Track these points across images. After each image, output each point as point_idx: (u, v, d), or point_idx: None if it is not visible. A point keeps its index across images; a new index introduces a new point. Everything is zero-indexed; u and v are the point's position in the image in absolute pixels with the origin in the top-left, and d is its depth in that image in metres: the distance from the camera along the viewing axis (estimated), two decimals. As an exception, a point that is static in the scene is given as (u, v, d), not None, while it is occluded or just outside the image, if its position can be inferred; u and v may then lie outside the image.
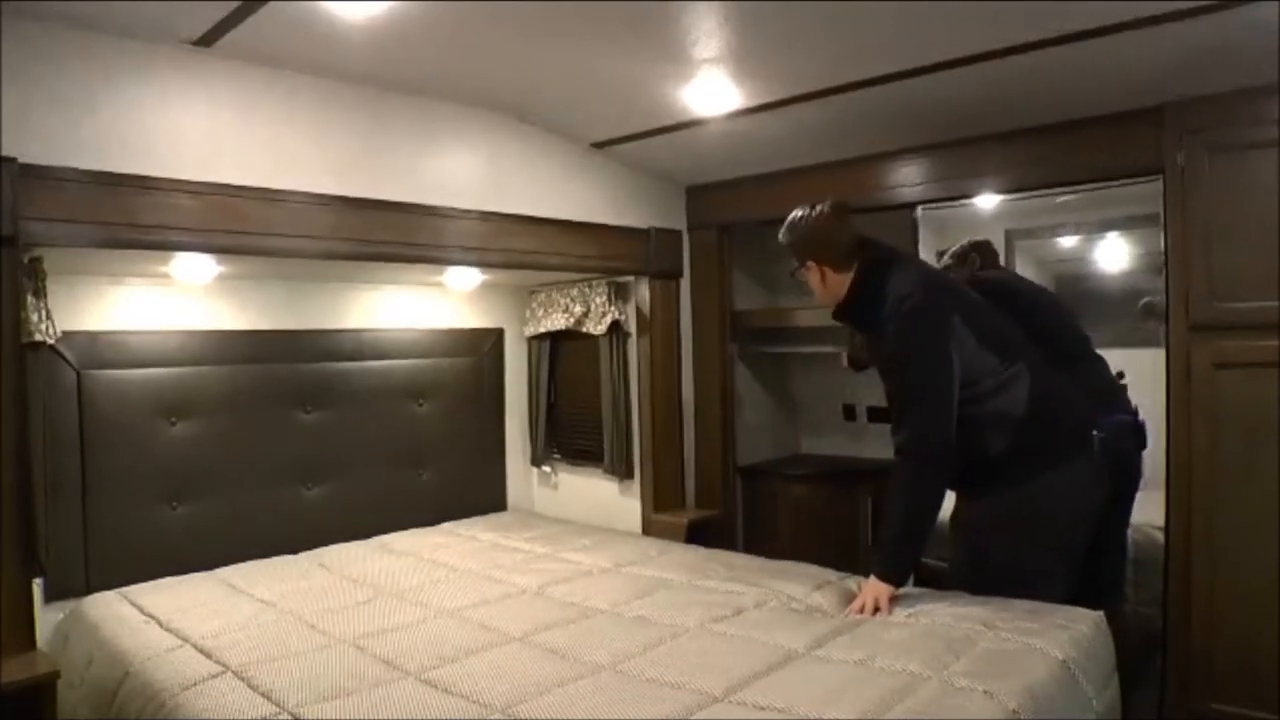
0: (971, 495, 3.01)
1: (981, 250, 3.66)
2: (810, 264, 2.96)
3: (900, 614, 2.82)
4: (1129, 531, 3.25)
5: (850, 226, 2.94)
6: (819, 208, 2.95)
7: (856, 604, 2.89)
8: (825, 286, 2.98)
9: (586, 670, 2.50)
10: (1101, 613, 2.72)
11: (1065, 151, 3.54)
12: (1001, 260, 3.83)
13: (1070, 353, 3.19)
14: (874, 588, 2.87)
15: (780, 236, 3.03)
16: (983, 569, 2.95)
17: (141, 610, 3.15)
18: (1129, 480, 3.16)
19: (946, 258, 3.67)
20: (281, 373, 4.07)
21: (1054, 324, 3.29)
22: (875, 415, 5.06)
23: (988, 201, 3.85)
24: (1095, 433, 2.84)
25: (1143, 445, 3.21)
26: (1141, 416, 3.23)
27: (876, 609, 2.85)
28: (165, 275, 3.59)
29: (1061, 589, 2.83)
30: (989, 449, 2.81)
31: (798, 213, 2.99)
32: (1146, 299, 3.66)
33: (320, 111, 3.43)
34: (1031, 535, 2.82)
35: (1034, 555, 2.84)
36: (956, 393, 2.76)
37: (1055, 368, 2.94)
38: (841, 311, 2.98)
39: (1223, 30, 2.76)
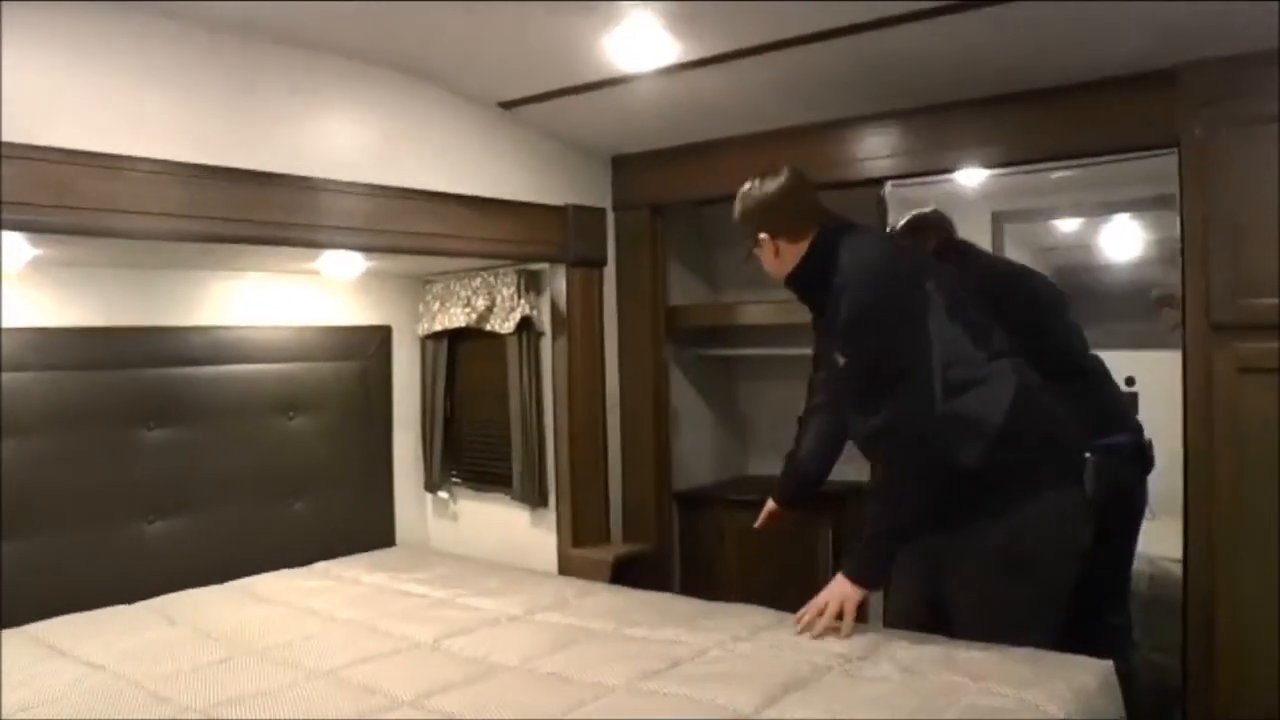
0: (937, 524, 2.98)
1: (931, 226, 3.67)
2: (763, 237, 3.00)
3: (869, 664, 2.79)
4: (1138, 565, 3.28)
5: (810, 194, 3.02)
6: (772, 174, 3.03)
7: (815, 605, 2.92)
8: (779, 260, 3.02)
9: (493, 742, 2.45)
10: (1110, 663, 2.73)
11: (1062, 120, 3.56)
12: (988, 247, 3.85)
13: (1067, 368, 3.21)
14: (839, 588, 2.89)
15: (735, 212, 3.07)
16: (946, 617, 2.98)
17: (-75, 681, 3.01)
18: (1129, 511, 3.18)
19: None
20: (117, 380, 3.98)
21: (1052, 329, 3.32)
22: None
23: (970, 177, 3.88)
24: (1087, 455, 2.88)
25: (1146, 469, 3.23)
26: (1148, 436, 3.25)
27: (838, 617, 2.88)
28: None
29: (1045, 641, 2.83)
30: (959, 461, 2.80)
31: (750, 182, 3.05)
32: (1159, 290, 3.69)
33: (175, 61, 3.34)
34: (1010, 578, 2.83)
35: (1013, 602, 2.86)
36: (939, 361, 2.77)
37: (1048, 380, 2.96)
38: (792, 277, 3.03)
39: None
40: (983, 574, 2.85)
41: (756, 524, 3.62)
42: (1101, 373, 3.35)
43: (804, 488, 3.54)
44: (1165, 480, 3.27)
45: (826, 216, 3.01)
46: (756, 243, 3.04)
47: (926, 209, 3.78)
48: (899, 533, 2.86)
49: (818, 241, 2.96)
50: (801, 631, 2.93)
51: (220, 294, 4.36)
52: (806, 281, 3.01)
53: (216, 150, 3.38)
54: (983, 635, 2.85)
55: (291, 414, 4.54)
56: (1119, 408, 3.32)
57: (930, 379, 2.76)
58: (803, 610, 2.97)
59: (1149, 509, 3.33)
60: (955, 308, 2.85)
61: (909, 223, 3.73)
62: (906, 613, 3.17)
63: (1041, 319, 3.34)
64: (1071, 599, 2.93)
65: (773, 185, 3.00)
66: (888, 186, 4.04)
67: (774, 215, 2.99)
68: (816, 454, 3.46)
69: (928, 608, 3.07)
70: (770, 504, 3.58)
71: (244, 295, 4.44)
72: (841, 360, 2.95)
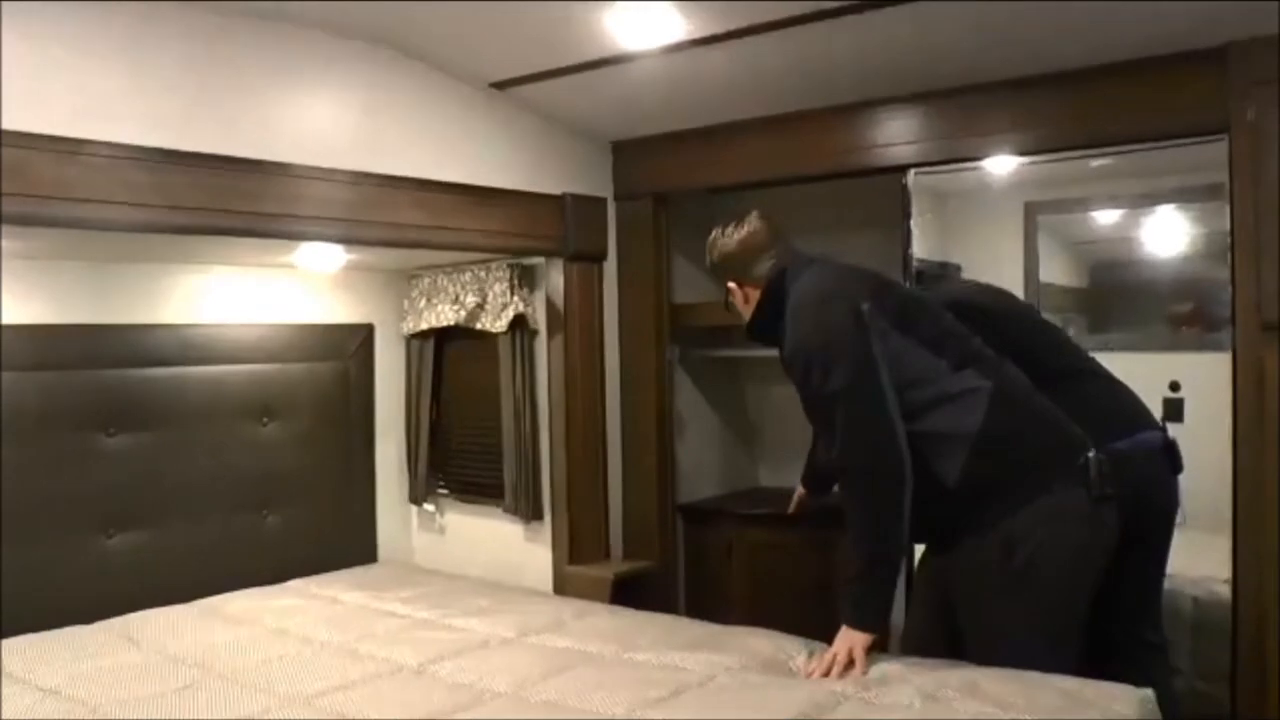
0: (934, 543, 3.16)
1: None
2: (731, 285, 3.24)
3: (889, 691, 2.80)
4: (1183, 586, 3.27)
5: (778, 240, 3.21)
6: (737, 221, 3.25)
7: (825, 659, 2.97)
8: (749, 307, 3.22)
9: (482, 776, 2.45)
10: (1150, 691, 2.71)
11: (1101, 103, 3.54)
12: (1019, 241, 3.84)
13: (1054, 369, 3.23)
14: (845, 638, 2.96)
15: (705, 262, 3.34)
16: (950, 641, 3.03)
17: None
18: (1155, 514, 3.17)
19: None
20: (75, 382, 3.97)
21: (1031, 340, 3.35)
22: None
23: (1001, 165, 3.87)
24: (1090, 454, 2.88)
25: (1175, 469, 3.23)
26: (1171, 435, 3.25)
27: (850, 664, 2.92)
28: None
29: (1059, 660, 2.84)
30: (943, 479, 2.89)
31: (715, 230, 3.29)
32: (1176, 306, 3.76)
33: (138, 38, 3.30)
34: (1011, 592, 2.86)
35: (1018, 618, 2.89)
36: (890, 391, 2.87)
37: (1035, 384, 3.04)
38: (749, 327, 3.26)
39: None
40: (984, 591, 2.91)
41: (790, 509, 3.89)
42: (1095, 372, 3.36)
43: (822, 483, 3.74)
44: (1214, 493, 3.26)
45: (791, 259, 3.15)
46: (728, 292, 3.26)
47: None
48: (887, 564, 2.93)
49: (769, 286, 3.13)
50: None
51: (187, 289, 4.35)
52: (763, 328, 3.17)
53: (183, 133, 3.35)
54: (991, 656, 2.87)
55: (265, 419, 4.53)
56: (1127, 407, 3.31)
57: (874, 408, 2.86)
58: (811, 666, 3.02)
59: (1180, 513, 3.33)
60: (906, 324, 2.96)
61: None
62: (921, 639, 3.21)
63: (1009, 325, 3.37)
64: (1093, 613, 2.96)
65: (736, 234, 3.22)
66: (911, 175, 4.02)
67: (738, 264, 3.21)
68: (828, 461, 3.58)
69: (943, 632, 3.11)
70: (800, 488, 3.83)
71: (213, 290, 4.43)
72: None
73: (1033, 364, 3.09)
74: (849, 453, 2.90)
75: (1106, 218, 4.11)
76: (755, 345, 4.99)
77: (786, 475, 5.34)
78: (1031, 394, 3.00)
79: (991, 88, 3.75)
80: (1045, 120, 3.69)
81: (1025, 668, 2.79)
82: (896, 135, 4.03)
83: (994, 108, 3.77)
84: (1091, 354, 3.43)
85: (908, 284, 3.88)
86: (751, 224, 3.20)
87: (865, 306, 2.91)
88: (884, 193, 4.09)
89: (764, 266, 3.15)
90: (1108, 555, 2.93)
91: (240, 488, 4.43)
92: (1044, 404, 2.99)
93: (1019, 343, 3.21)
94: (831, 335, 2.92)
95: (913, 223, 4.01)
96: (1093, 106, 3.57)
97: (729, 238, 3.22)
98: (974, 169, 3.96)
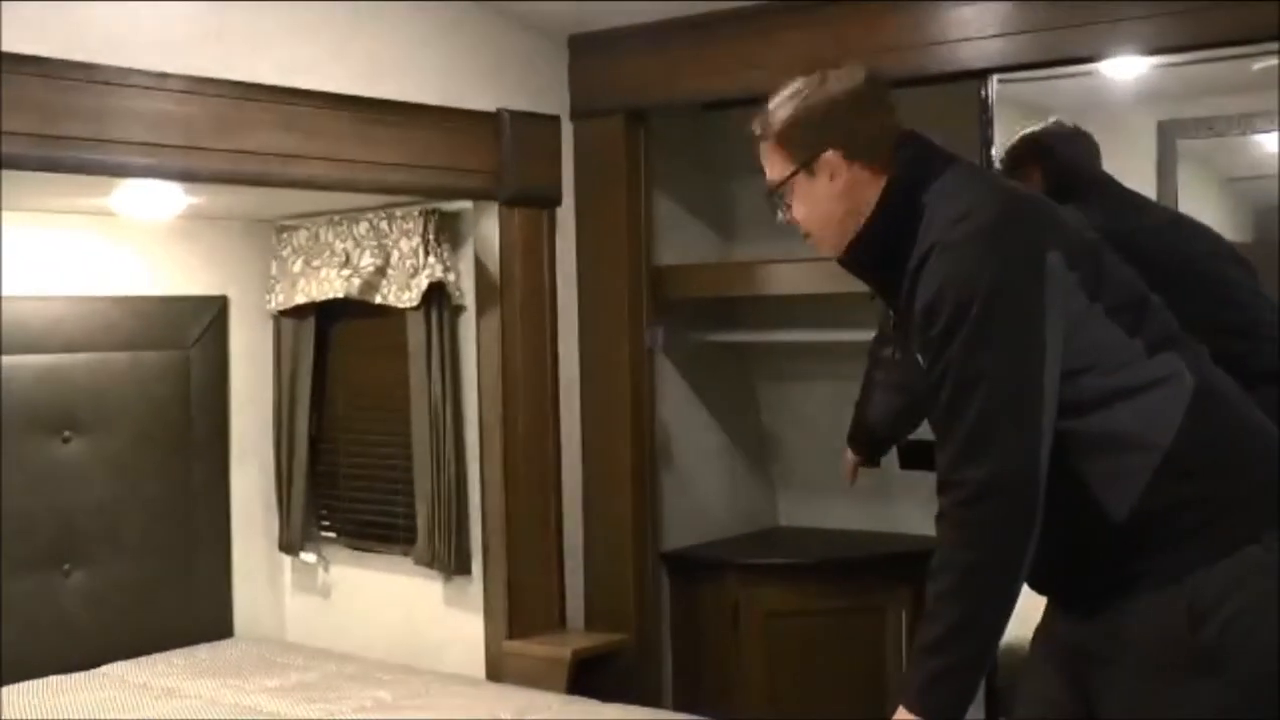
0: (1076, 605, 2.93)
1: (1058, 147, 3.60)
2: (828, 156, 2.81)
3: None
4: None
5: (893, 112, 2.86)
6: (836, 75, 2.89)
7: None
8: (852, 196, 2.85)
9: None
10: None
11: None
12: (1150, 175, 3.85)
13: (1264, 365, 3.17)
14: None
15: (772, 122, 2.89)
16: None
17: None
18: None
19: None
20: None
21: (1227, 317, 3.25)
22: (914, 456, 4.93)
23: (1123, 69, 3.84)
24: None
25: None
26: None
27: None
28: None
29: None
30: (1105, 506, 2.72)
31: (797, 83, 2.88)
32: None
33: None
34: (1192, 684, 2.67)
35: (1199, 715, 2.68)
36: (1055, 386, 2.67)
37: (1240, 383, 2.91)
38: (860, 238, 2.90)
39: None
40: (1147, 680, 2.71)
41: (848, 479, 4.00)
42: None
43: (876, 447, 3.84)
44: None
45: (906, 144, 2.87)
46: (812, 162, 2.84)
47: (1039, 126, 3.70)
48: (985, 640, 2.70)
49: (904, 181, 2.83)
50: None
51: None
52: (874, 251, 2.88)
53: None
54: None
55: (66, 433, 4.52)
56: None
57: (1025, 406, 2.66)
58: None
59: None
60: (1097, 282, 2.75)
61: (1012, 150, 3.70)
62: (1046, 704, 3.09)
63: (1218, 293, 3.32)
64: None
65: (839, 85, 2.86)
66: (994, 83, 4.02)
67: (845, 124, 2.83)
68: (886, 423, 3.72)
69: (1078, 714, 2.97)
70: (849, 454, 3.89)
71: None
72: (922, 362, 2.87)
73: (1223, 353, 2.95)
74: (969, 459, 2.65)
75: (1274, 143, 4.08)
76: (772, 324, 4.98)
77: (816, 512, 5.43)
78: (1243, 398, 2.85)
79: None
80: (1183, 8, 3.61)
81: None
82: (972, 27, 4.05)
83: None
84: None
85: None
86: (856, 77, 2.86)
87: (1055, 257, 2.70)
88: (955, 108, 4.07)
89: (885, 143, 2.84)
90: None
91: (30, 532, 4.42)
92: (1259, 415, 2.84)
93: (1208, 319, 3.08)
94: (1001, 286, 2.67)
95: (995, 150, 3.94)
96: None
97: (835, 87, 2.86)
98: (1083, 75, 3.98)
